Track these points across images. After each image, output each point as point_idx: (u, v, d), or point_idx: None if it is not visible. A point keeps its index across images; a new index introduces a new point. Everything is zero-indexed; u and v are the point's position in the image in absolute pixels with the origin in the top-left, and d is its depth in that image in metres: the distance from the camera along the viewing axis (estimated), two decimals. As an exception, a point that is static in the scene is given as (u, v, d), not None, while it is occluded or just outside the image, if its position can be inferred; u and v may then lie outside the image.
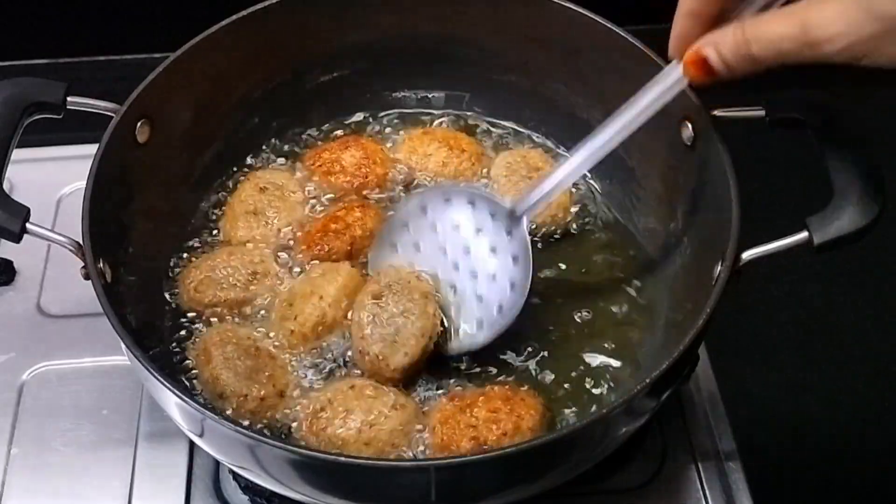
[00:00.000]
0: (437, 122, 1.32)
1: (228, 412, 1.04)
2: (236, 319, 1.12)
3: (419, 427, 1.03)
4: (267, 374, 1.05)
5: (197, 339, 1.10)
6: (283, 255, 1.17)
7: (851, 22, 0.79)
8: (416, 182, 1.24)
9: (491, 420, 1.01)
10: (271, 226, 1.18)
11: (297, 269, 1.15)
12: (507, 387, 1.05)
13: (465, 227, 1.09)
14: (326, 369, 1.08)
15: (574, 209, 1.22)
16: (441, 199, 1.11)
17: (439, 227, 1.10)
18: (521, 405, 1.02)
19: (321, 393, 1.05)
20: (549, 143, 1.29)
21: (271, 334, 1.10)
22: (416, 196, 1.14)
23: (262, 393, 1.04)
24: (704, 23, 0.89)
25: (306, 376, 1.08)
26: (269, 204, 1.20)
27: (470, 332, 1.07)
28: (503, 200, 1.10)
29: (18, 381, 1.21)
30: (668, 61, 0.97)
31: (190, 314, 1.13)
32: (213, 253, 1.16)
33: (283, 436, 1.03)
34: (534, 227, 1.19)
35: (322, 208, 1.21)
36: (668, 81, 0.95)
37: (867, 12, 0.78)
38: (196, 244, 1.20)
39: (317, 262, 1.14)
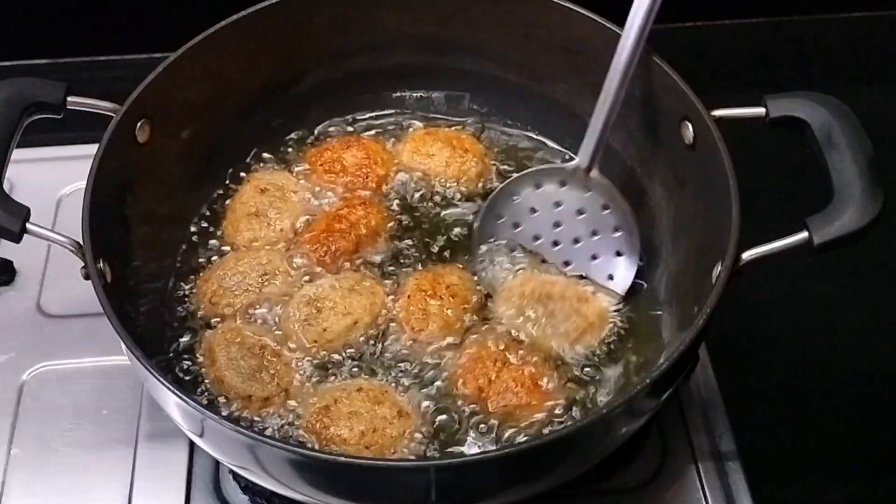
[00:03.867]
0: (438, 122, 1.32)
1: (234, 412, 1.05)
2: (249, 319, 1.12)
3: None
4: (271, 372, 1.06)
5: (203, 340, 1.11)
6: (290, 254, 1.17)
7: None
8: (416, 184, 1.25)
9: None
10: (273, 227, 1.19)
11: (302, 265, 1.16)
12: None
13: (545, 208, 1.16)
14: (332, 368, 1.09)
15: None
16: (511, 192, 1.17)
17: (526, 219, 1.17)
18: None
19: (328, 392, 1.05)
20: (550, 143, 1.29)
21: (290, 333, 1.10)
22: (493, 197, 1.18)
23: (266, 393, 1.05)
24: None
25: (311, 373, 1.08)
26: (271, 205, 1.20)
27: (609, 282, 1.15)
28: (563, 165, 1.16)
29: (18, 381, 1.21)
30: (668, 58, 0.96)
31: (197, 316, 1.14)
32: (221, 261, 1.16)
33: (287, 431, 1.04)
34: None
35: (323, 207, 1.21)
36: None
37: None
38: (197, 244, 1.20)
39: (346, 268, 1.16)
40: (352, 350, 1.10)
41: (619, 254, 1.14)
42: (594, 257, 1.15)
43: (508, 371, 1.06)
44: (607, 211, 1.14)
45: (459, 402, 1.06)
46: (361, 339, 1.10)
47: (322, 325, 1.09)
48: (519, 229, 1.17)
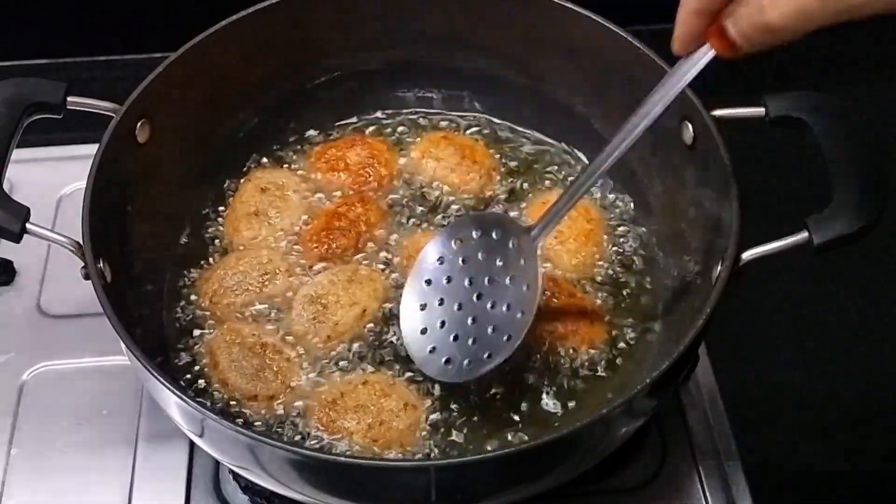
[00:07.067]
0: (438, 124, 1.31)
1: (241, 412, 1.05)
2: (251, 318, 1.12)
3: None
4: (274, 369, 1.06)
5: (203, 343, 1.10)
6: (290, 253, 1.17)
7: None
8: (417, 185, 1.25)
9: None
10: (273, 226, 1.19)
11: (302, 264, 1.16)
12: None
13: (489, 258, 1.06)
14: (335, 361, 1.09)
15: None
16: (467, 229, 1.08)
17: (466, 260, 1.07)
18: None
19: (333, 386, 1.06)
20: (552, 142, 1.29)
21: (302, 334, 1.10)
22: (447, 229, 1.12)
23: (272, 391, 1.05)
24: (712, 19, 0.81)
25: (315, 368, 1.08)
26: (271, 204, 1.20)
27: (482, 359, 1.03)
28: (519, 225, 1.08)
29: (18, 381, 1.21)
30: (669, 59, 0.95)
31: (198, 315, 1.13)
32: (222, 261, 1.16)
33: (294, 428, 1.05)
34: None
35: (324, 206, 1.21)
36: (688, 65, 0.88)
37: None
38: (198, 243, 1.20)
39: (339, 263, 1.15)
40: (361, 341, 1.10)
41: (508, 336, 1.03)
42: (494, 328, 1.04)
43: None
44: (525, 291, 1.03)
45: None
46: (371, 326, 1.11)
47: (332, 320, 1.10)
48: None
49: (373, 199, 1.22)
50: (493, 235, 1.06)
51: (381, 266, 1.17)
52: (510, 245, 1.05)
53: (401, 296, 1.09)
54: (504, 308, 1.04)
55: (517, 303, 1.03)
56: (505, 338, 1.02)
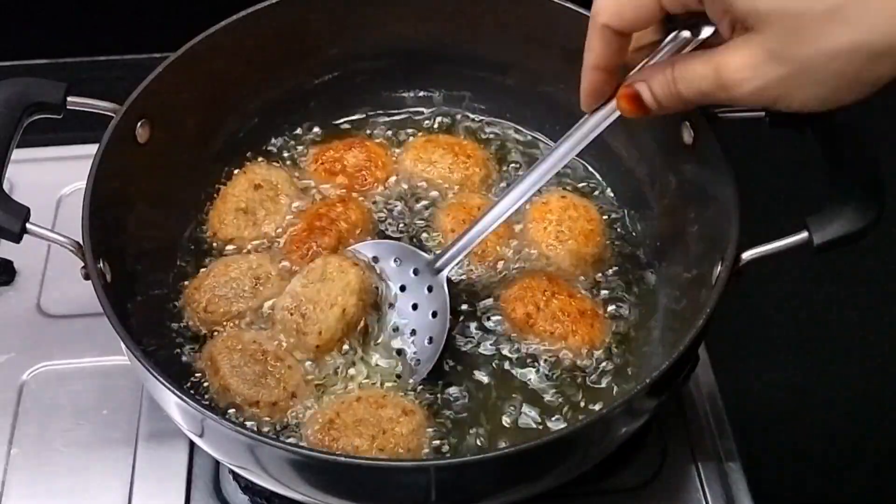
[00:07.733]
0: (438, 124, 1.32)
1: (242, 419, 1.04)
2: (245, 325, 1.11)
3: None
4: (276, 377, 1.05)
5: (203, 346, 1.10)
6: (277, 257, 1.16)
7: (759, 66, 0.80)
8: (412, 191, 1.24)
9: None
10: (259, 227, 1.18)
11: (289, 266, 1.15)
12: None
13: (393, 284, 1.12)
14: (336, 364, 1.08)
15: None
16: (370, 254, 1.13)
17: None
18: None
19: (328, 406, 1.04)
20: (549, 142, 1.29)
21: (285, 342, 1.08)
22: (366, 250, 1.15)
23: (274, 398, 1.05)
24: (612, 76, 0.92)
25: (317, 372, 1.08)
26: (261, 204, 1.19)
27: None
28: (423, 256, 1.12)
29: (18, 381, 1.21)
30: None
31: (194, 323, 1.13)
32: (211, 268, 1.15)
33: (295, 434, 1.04)
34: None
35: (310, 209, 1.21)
36: (593, 122, 0.97)
37: (773, 57, 0.79)
38: (198, 243, 1.20)
39: (313, 260, 1.13)
40: (350, 340, 1.09)
41: (417, 360, 1.08)
42: (399, 352, 1.09)
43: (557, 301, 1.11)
44: (432, 319, 1.09)
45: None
46: (357, 322, 1.09)
47: (316, 329, 1.07)
48: None
49: (352, 197, 1.21)
50: (395, 264, 1.12)
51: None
52: (413, 275, 1.11)
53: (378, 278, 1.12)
54: (410, 333, 1.09)
55: (425, 329, 1.09)
56: (415, 362, 1.08)
